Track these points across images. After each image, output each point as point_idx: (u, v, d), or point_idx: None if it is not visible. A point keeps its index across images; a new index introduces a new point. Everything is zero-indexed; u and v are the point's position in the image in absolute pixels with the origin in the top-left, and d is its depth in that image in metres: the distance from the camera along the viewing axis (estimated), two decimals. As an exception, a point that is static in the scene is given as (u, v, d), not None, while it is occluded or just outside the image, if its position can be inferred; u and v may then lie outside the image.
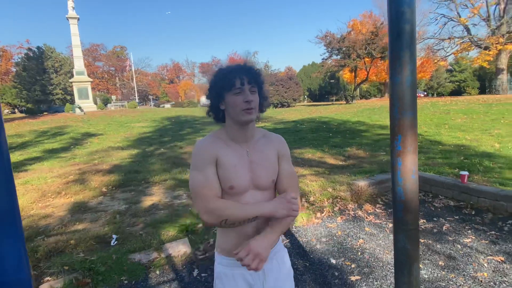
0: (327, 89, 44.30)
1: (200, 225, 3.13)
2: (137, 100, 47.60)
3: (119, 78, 65.91)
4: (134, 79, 53.76)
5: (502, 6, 22.18)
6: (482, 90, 39.20)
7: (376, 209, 3.57)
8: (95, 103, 33.52)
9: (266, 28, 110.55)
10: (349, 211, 3.54)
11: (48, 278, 2.33)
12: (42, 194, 4.41)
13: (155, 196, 4.07)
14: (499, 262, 2.35)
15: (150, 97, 62.12)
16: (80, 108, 24.41)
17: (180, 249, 2.82)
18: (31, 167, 6.71)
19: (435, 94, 45.51)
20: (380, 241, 2.84)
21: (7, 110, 44.60)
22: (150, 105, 52.21)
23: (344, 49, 23.20)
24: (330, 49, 23.92)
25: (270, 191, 1.23)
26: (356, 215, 3.44)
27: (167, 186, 4.50)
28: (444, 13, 24.80)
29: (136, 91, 53.03)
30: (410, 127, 1.23)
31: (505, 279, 2.15)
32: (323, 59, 25.73)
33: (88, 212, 3.63)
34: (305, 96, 48.30)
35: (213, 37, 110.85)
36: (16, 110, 43.02)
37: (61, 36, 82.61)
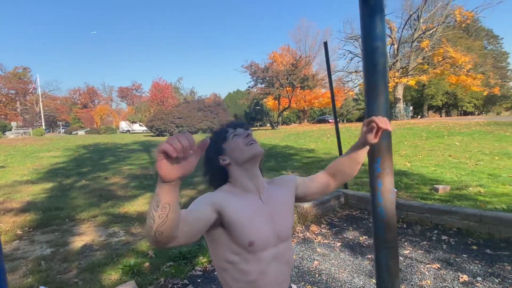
0: (252, 115, 46.00)
1: (147, 263, 2.84)
2: (43, 127, 42.36)
3: (20, 103, 58.07)
4: (40, 103, 48.02)
5: (396, 46, 26.41)
6: (384, 117, 45.12)
7: (322, 229, 3.72)
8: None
9: (191, 54, 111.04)
10: (298, 233, 3.61)
11: None
12: None
13: (86, 236, 3.57)
14: (437, 269, 2.63)
15: (60, 123, 55.87)
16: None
17: (127, 294, 2.49)
18: None
19: (344, 120, 50.78)
20: (333, 261, 2.94)
21: None
22: (60, 132, 46.87)
23: (268, 78, 24.64)
24: (255, 78, 25.13)
25: (289, 239, 1.12)
26: (305, 237, 3.52)
27: (98, 223, 4.00)
28: (350, 49, 28.33)
29: (42, 117, 47.22)
30: (387, 150, 1.33)
31: (445, 284, 2.41)
32: (249, 87, 26.89)
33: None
34: (232, 121, 49.05)
35: (134, 60, 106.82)
36: None
37: None
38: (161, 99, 35.37)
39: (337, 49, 34.62)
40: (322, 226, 3.82)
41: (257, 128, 32.22)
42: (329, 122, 38.69)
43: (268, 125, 29.58)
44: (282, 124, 39.64)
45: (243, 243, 0.98)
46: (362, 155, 1.24)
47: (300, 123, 45.72)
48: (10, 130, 34.74)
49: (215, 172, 1.08)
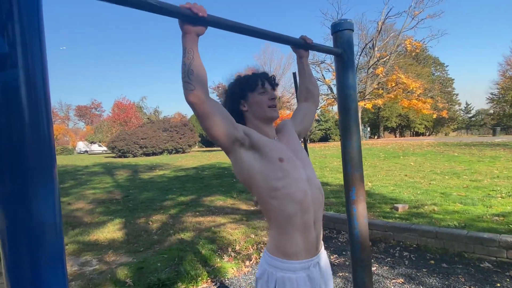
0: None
1: (126, 292, 2.82)
2: None
3: None
4: None
5: (353, 71, 28.24)
6: (344, 137, 47.26)
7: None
8: None
9: (156, 71, 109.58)
10: (273, 255, 3.75)
11: None
12: None
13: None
14: (401, 283, 2.89)
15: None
16: None
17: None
18: None
19: (308, 140, 52.43)
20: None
21: None
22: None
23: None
24: (221, 100, 25.50)
25: (311, 165, 1.30)
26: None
27: (69, 252, 3.86)
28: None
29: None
30: (360, 180, 1.58)
31: (409, 296, 2.67)
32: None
33: None
34: (198, 142, 48.81)
35: (93, 77, 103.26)
36: None
37: None
38: (124, 119, 34.37)
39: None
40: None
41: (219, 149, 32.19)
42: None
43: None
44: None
45: (274, 160, 1.15)
46: (306, 67, 1.50)
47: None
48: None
49: (231, 110, 1.20)
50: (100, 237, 4.39)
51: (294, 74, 5.11)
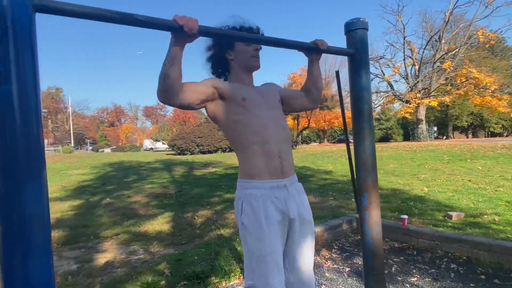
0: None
1: (163, 281, 3.04)
2: (72, 144, 44.36)
3: (51, 121, 61.37)
4: (70, 122, 50.51)
5: (417, 67, 26.26)
6: (406, 137, 44.26)
7: (333, 254, 3.80)
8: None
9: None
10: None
11: None
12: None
13: (108, 253, 3.83)
14: (442, 297, 2.67)
15: (87, 140, 58.31)
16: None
17: (144, 310, 2.69)
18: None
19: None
20: (340, 286, 3.02)
21: None
22: (87, 149, 48.83)
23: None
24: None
25: (280, 111, 1.47)
26: (315, 261, 3.61)
27: (120, 241, 4.26)
28: (371, 70, 28.36)
29: (72, 135, 49.55)
30: (373, 186, 1.51)
31: (449, 313, 2.45)
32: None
33: (32, 275, 3.27)
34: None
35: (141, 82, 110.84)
36: None
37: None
38: (183, 119, 36.44)
39: (357, 69, 34.70)
40: (333, 251, 3.90)
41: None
42: (350, 141, 38.31)
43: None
44: (302, 143, 39.68)
45: (237, 99, 1.32)
46: (316, 69, 1.54)
47: (320, 142, 45.53)
48: (42, 147, 36.63)
49: (218, 60, 1.42)
50: (149, 229, 4.76)
51: (337, 72, 5.00)
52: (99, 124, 68.90)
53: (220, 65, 1.43)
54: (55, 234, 4.59)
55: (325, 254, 3.79)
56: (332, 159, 14.88)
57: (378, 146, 23.33)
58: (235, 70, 1.41)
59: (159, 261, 3.46)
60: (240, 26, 1.35)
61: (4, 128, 0.73)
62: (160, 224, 5.01)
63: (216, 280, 3.13)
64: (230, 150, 24.66)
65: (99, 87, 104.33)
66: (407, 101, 25.52)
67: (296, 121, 27.73)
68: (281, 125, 1.42)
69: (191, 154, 23.28)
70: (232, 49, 1.38)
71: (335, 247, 4.02)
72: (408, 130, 42.06)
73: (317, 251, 3.85)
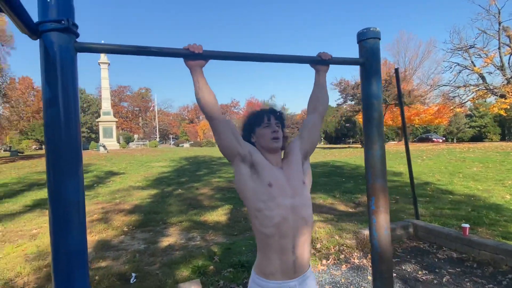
0: (343, 131, 44.76)
1: (212, 266, 3.37)
2: (157, 139, 49.21)
3: (142, 118, 68.86)
4: (157, 119, 55.99)
5: (516, 55, 22.62)
6: (504, 136, 38.46)
7: (381, 258, 3.70)
8: (118, 141, 35.06)
9: (282, 72, 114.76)
10: (354, 259, 3.69)
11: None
12: (69, 231, 4.78)
13: (171, 237, 4.35)
14: (494, 315, 2.45)
15: (171, 136, 64.05)
16: (104, 146, 25.60)
17: (192, 289, 3.05)
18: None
19: (454, 140, 44.82)
20: (381, 290, 2.97)
21: (35, 146, 46.87)
22: (170, 144, 53.70)
23: (358, 95, 23.90)
24: (344, 95, 24.69)
25: (304, 195, 1.37)
26: (361, 263, 3.58)
27: (182, 228, 4.79)
28: (458, 61, 25.34)
29: (157, 130, 54.97)
30: (381, 190, 1.55)
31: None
32: (337, 104, 26.48)
33: (111, 250, 3.94)
34: (321, 138, 48.78)
35: (231, 80, 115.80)
36: (43, 147, 45.17)
37: (92, 78, 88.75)
38: None
39: (442, 61, 31.35)
40: (382, 254, 3.79)
41: (347, 146, 31.26)
42: (433, 141, 34.85)
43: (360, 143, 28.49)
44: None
45: (264, 183, 1.30)
46: (320, 81, 1.53)
47: (399, 141, 42.41)
48: (133, 141, 41.64)
49: (247, 141, 1.43)
50: (209, 219, 5.22)
51: (396, 70, 4.79)
52: (181, 121, 75.07)
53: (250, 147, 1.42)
54: (132, 218, 5.36)
55: (373, 258, 3.71)
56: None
57: (465, 146, 20.83)
58: (261, 151, 1.40)
59: (211, 248, 3.82)
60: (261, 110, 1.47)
61: (53, 137, 1.04)
62: (219, 215, 5.44)
63: (260, 271, 3.35)
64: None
65: (181, 87, 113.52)
66: (502, 96, 22.16)
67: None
68: (302, 215, 1.34)
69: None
70: (254, 132, 1.43)
71: (385, 251, 3.90)
72: (505, 129, 36.46)
73: (365, 254, 3.80)
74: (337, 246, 3.91)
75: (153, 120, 64.26)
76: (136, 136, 50.64)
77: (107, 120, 31.39)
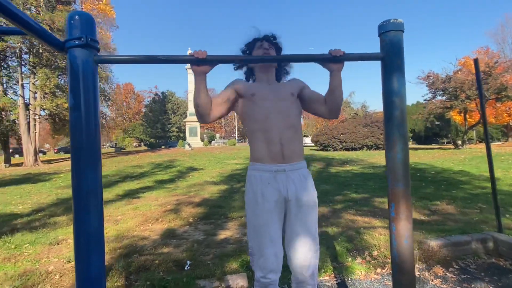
0: (434, 130, 40.19)
1: (260, 263, 3.46)
2: (237, 138, 51.56)
3: (224, 118, 72.98)
4: (236, 118, 58.65)
5: None
6: None
7: (448, 273, 3.30)
8: (202, 140, 37.85)
9: (363, 68, 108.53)
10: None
11: (135, 288, 2.97)
12: (145, 219, 5.41)
13: (228, 231, 4.58)
14: None
15: (249, 135, 66.51)
16: (189, 144, 27.99)
17: (238, 282, 3.18)
18: (143, 195, 8.16)
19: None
20: (439, 309, 2.67)
21: (135, 143, 53.59)
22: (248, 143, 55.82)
23: (450, 89, 21.19)
24: (433, 90, 22.17)
25: (288, 102, 1.60)
26: (421, 276, 3.25)
27: (240, 223, 4.98)
28: None
29: (236, 129, 57.60)
30: (402, 196, 1.44)
31: None
32: (424, 100, 23.93)
33: (175, 238, 4.34)
34: (410, 138, 44.75)
35: (313, 73, 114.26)
36: (141, 144, 51.52)
37: (182, 82, 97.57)
38: None
39: None
40: (450, 270, 3.38)
41: (437, 147, 28.09)
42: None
43: (452, 144, 25.28)
44: (480, 142, 32.89)
45: (248, 95, 1.58)
46: (334, 82, 1.54)
47: (505, 141, 36.52)
48: (214, 140, 44.52)
49: (248, 69, 1.72)
50: (267, 217, 5.32)
51: (475, 60, 4.27)
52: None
53: (247, 71, 1.72)
54: (198, 210, 5.79)
55: (438, 271, 3.33)
56: (507, 164, 11.87)
57: None
58: (255, 72, 1.66)
59: (262, 245, 3.91)
60: (254, 38, 1.62)
61: (76, 136, 1.25)
62: (277, 214, 5.50)
63: (307, 272, 3.31)
64: (377, 148, 23.17)
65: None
66: None
67: (463, 116, 23.08)
68: (286, 114, 1.55)
69: (334, 150, 23.21)
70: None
71: (455, 266, 3.45)
72: None
73: (429, 266, 3.43)
74: (396, 255, 3.61)
75: (233, 119, 67.44)
76: (217, 135, 53.97)
77: (192, 120, 34.14)
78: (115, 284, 3.05)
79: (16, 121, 21.62)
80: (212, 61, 1.36)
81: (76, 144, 1.25)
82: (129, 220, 5.32)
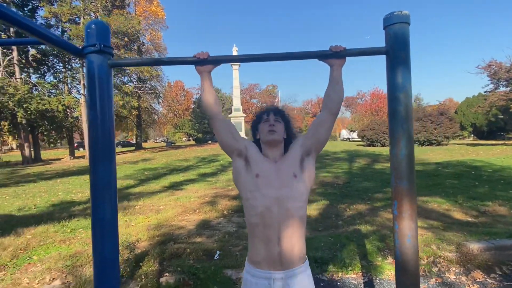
0: (498, 124, 36.43)
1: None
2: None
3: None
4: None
5: None
6: None
7: (488, 279, 3.06)
8: (246, 135, 38.40)
9: (418, 60, 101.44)
10: (449, 274, 3.17)
11: (166, 274, 3.19)
12: (184, 210, 5.72)
13: (260, 225, 4.67)
14: None
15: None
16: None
17: (263, 274, 3.27)
18: (186, 187, 8.58)
19: None
20: (472, 316, 2.50)
21: (184, 138, 56.01)
22: (293, 138, 55.33)
23: (516, 79, 18.97)
24: (495, 80, 20.01)
25: (293, 188, 1.37)
26: (458, 280, 3.05)
27: (274, 217, 5.05)
28: None
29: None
30: (405, 195, 1.41)
31: None
32: (485, 92, 21.70)
33: (208, 229, 4.54)
34: (470, 133, 41.08)
35: (357, 71, 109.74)
36: (190, 138, 53.78)
37: (227, 79, 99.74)
38: (375, 109, 34.78)
39: None
40: (491, 275, 3.13)
41: (501, 142, 25.45)
42: None
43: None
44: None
45: (252, 174, 1.38)
46: (333, 75, 1.45)
47: None
48: (259, 134, 44.86)
49: (255, 140, 1.56)
50: (301, 212, 5.32)
51: None
52: (305, 115, 76.31)
53: (256, 141, 1.54)
54: (233, 203, 5.97)
55: (477, 277, 3.11)
56: None
57: None
58: (263, 146, 1.48)
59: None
60: (260, 111, 1.55)
61: (92, 133, 1.40)
62: (311, 209, 5.47)
63: (333, 269, 3.29)
64: (430, 144, 21.65)
65: (306, 82, 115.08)
66: None
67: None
68: (287, 207, 1.35)
69: (382, 146, 22.14)
70: (258, 129, 1.52)
71: (498, 271, 3.19)
72: None
73: (467, 271, 3.21)
74: (431, 257, 3.43)
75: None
76: (262, 130, 54.29)
77: (237, 115, 34.75)
78: (150, 268, 3.30)
79: (79, 118, 23.81)
80: (213, 61, 1.44)
81: (92, 139, 1.41)
82: (170, 210, 5.66)
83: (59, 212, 6.01)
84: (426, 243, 3.70)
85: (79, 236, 4.50)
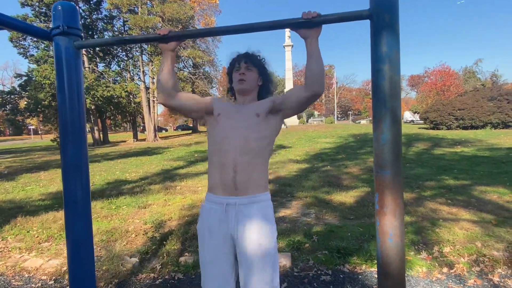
0: None
1: (308, 244, 3.36)
2: (336, 116, 49.70)
3: (324, 95, 70.88)
4: (335, 95, 56.40)
5: None
6: None
7: (541, 286, 2.59)
8: (299, 118, 37.81)
9: (496, 30, 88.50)
10: (493, 276, 2.75)
11: (186, 254, 3.28)
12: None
13: (289, 210, 4.56)
14: None
15: (349, 112, 63.16)
16: (284, 123, 28.35)
17: (281, 261, 3.16)
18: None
19: None
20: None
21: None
22: (349, 121, 53.14)
23: None
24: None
25: (252, 120, 1.41)
26: (502, 284, 2.64)
27: (305, 203, 4.89)
28: None
29: (335, 107, 55.46)
30: (388, 186, 1.21)
31: None
32: None
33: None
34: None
35: (424, 47, 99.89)
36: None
37: (281, 61, 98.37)
38: (441, 88, 31.35)
39: None
40: (547, 282, 2.64)
41: None
42: None
43: None
44: None
45: (215, 114, 1.45)
46: (308, 48, 1.30)
47: None
48: (312, 117, 43.89)
49: (230, 88, 1.61)
50: (335, 198, 5.07)
51: None
52: (364, 96, 72.33)
53: (230, 90, 1.61)
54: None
55: (528, 283, 2.64)
56: None
57: None
58: (235, 94, 1.55)
59: (315, 227, 3.78)
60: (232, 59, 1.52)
61: (61, 115, 1.42)
62: (347, 196, 5.18)
63: (357, 261, 3.07)
64: (505, 126, 19.03)
65: (366, 61, 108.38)
66: None
67: None
68: (247, 136, 1.37)
69: (447, 128, 20.04)
70: (231, 77, 1.54)
71: (558, 279, 2.67)
72: None
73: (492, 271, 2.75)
74: (474, 255, 3.01)
75: (335, 96, 64.98)
76: (316, 112, 52.97)
77: (289, 98, 34.35)
78: (172, 247, 3.43)
79: (141, 103, 25.61)
80: (174, 37, 1.34)
81: (62, 122, 1.42)
82: (205, 191, 5.82)
83: (111, 190, 6.55)
84: (469, 239, 3.27)
85: (121, 212, 4.85)
